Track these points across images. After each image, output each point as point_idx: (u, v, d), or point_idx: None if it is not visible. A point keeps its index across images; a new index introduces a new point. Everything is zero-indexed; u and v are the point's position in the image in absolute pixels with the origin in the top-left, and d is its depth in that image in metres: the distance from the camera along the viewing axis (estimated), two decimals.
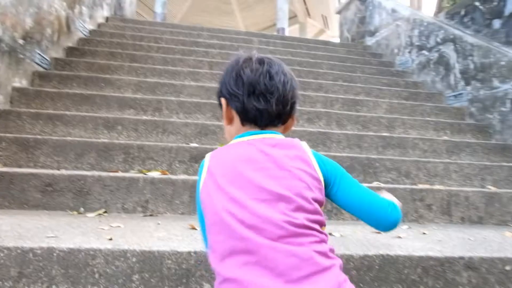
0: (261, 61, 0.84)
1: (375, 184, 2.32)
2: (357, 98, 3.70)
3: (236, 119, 0.85)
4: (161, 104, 2.92)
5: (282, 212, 0.70)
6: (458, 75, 3.81)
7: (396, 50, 4.96)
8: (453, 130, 3.39)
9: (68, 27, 3.69)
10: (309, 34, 13.41)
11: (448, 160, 2.78)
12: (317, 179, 0.78)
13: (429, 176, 2.62)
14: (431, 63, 4.25)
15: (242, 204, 0.71)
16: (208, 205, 0.75)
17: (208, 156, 0.82)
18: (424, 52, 4.37)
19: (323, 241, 0.72)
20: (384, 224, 0.81)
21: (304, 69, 4.16)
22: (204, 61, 3.90)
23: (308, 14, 12.89)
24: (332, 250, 0.73)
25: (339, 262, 0.71)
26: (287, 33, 10.21)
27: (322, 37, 13.66)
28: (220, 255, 0.70)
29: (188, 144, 2.42)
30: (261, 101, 0.80)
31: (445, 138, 3.24)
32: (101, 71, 3.39)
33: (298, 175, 0.75)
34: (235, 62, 0.86)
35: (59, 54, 3.48)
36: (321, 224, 0.75)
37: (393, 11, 5.06)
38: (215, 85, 3.56)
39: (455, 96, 3.86)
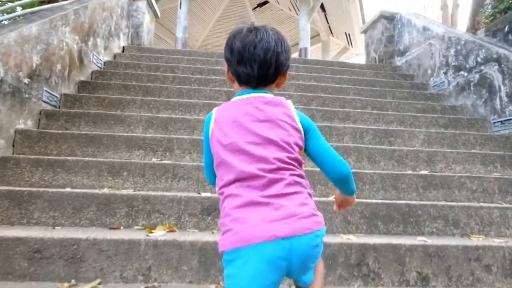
0: (250, 31, 1.00)
1: (419, 240, 1.94)
2: (390, 128, 3.33)
3: (235, 80, 1.07)
4: (172, 144, 2.67)
5: (272, 151, 0.95)
6: (505, 99, 3.37)
7: (429, 71, 4.56)
8: (504, 164, 2.95)
9: (81, 60, 3.56)
10: (332, 53, 13.11)
11: (504, 205, 2.35)
12: (298, 130, 1.02)
13: (482, 225, 2.21)
14: (471, 85, 3.83)
15: (242, 148, 0.95)
16: (217, 146, 0.98)
17: (214, 110, 1.04)
18: (463, 73, 3.96)
19: (300, 175, 0.98)
20: (336, 172, 1.07)
21: (329, 96, 3.83)
22: (221, 91, 3.66)
23: (331, 32, 12.63)
24: (307, 185, 1.00)
25: (308, 191, 0.98)
26: (309, 53, 9.97)
27: (345, 55, 13.34)
28: (226, 182, 0.95)
29: (199, 193, 2.14)
30: (247, 67, 0.99)
31: (496, 174, 2.80)
32: (112, 106, 3.20)
33: (284, 126, 0.99)
34: (232, 33, 1.04)
35: (69, 89, 3.34)
36: (300, 162, 1.00)
37: (425, 29, 4.69)
38: None
39: (501, 122, 3.42)
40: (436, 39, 4.46)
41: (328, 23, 12.17)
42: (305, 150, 1.06)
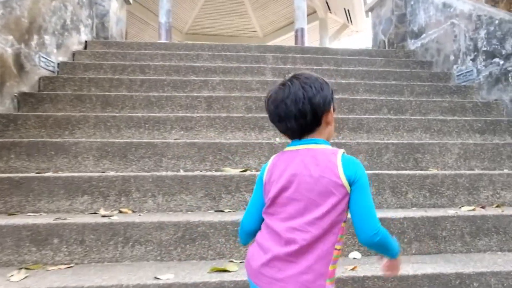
0: (280, 87, 1.03)
1: None
2: (415, 140, 2.63)
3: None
4: (129, 185, 1.98)
5: (303, 212, 0.97)
6: None
7: (452, 57, 3.81)
8: None
9: (20, 66, 2.81)
10: (331, 31, 12.20)
11: None
12: (341, 186, 0.97)
13: None
14: (509, 76, 3.09)
15: (284, 201, 1.00)
16: (269, 188, 1.03)
17: (271, 159, 1.08)
18: (497, 60, 3.21)
19: (336, 241, 0.97)
20: (363, 239, 0.99)
21: (335, 96, 3.10)
22: (200, 97, 2.93)
23: (329, 8, 11.69)
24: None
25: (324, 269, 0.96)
26: (306, 34, 9.10)
27: (345, 32, 12.44)
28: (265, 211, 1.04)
29: (158, 278, 1.45)
30: (286, 124, 1.01)
31: None
32: (57, 128, 2.49)
33: (326, 183, 0.96)
34: (268, 93, 1.07)
35: (4, 106, 2.61)
36: (337, 222, 0.98)
37: (446, 5, 3.90)
38: (213, 134, 2.59)
39: None
40: (460, 18, 3.68)
41: None
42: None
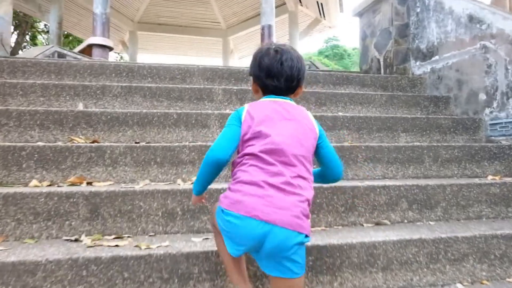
0: (276, 51, 1.20)
1: None
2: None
3: (260, 91, 1.26)
4: None
5: (290, 147, 1.10)
6: None
7: (483, 96, 2.64)
8: None
9: None
10: (301, 26, 10.91)
11: None
12: (315, 133, 1.19)
13: None
14: None
15: (269, 137, 1.11)
16: (248, 130, 1.13)
17: (246, 105, 1.20)
18: None
19: (306, 179, 1.11)
20: (336, 175, 1.29)
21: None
22: (77, 194, 1.56)
23: (299, 1, 10.37)
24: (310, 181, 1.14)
25: (307, 196, 1.09)
26: (274, 32, 7.77)
27: (317, 28, 11.20)
28: (245, 154, 1.12)
29: None
30: (274, 81, 1.19)
31: None
32: None
33: (305, 127, 1.16)
34: (260, 52, 1.23)
35: None
36: (310, 162, 1.15)
37: (474, 20, 2.71)
38: None
39: None
40: (498, 41, 2.50)
41: None
42: (315, 152, 1.22)
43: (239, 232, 1.03)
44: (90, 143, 1.94)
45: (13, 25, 15.03)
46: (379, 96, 2.80)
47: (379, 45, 3.58)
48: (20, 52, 15.36)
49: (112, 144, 1.87)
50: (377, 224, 1.78)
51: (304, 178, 1.09)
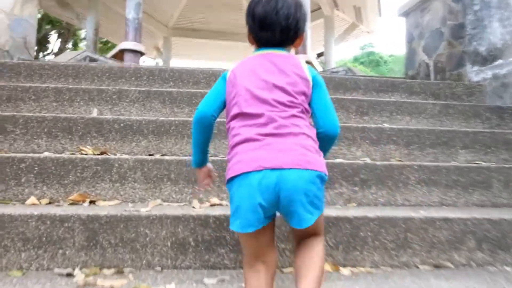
0: (269, 2, 1.08)
1: None
2: None
3: (255, 42, 1.15)
4: None
5: (275, 95, 1.02)
6: None
7: None
8: None
9: None
10: (337, 30, 10.50)
11: None
12: (306, 79, 1.08)
13: None
14: None
15: (250, 90, 1.04)
16: (232, 89, 1.08)
17: (231, 67, 1.13)
18: None
19: (299, 117, 1.03)
20: (330, 130, 1.11)
21: (371, 206, 1.50)
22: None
23: (336, 5, 9.97)
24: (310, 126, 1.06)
25: (308, 134, 1.02)
26: (309, 36, 7.44)
27: (354, 33, 10.74)
28: (232, 116, 1.06)
29: None
30: (268, 32, 1.09)
31: None
32: None
33: (292, 75, 1.06)
34: (252, 1, 1.12)
35: None
36: (303, 108, 1.05)
37: None
38: None
39: None
40: None
41: None
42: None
43: (250, 192, 0.94)
44: (98, 154, 1.71)
45: (56, 33, 15.70)
46: (431, 106, 2.42)
47: (428, 48, 3.18)
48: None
49: (120, 156, 1.63)
50: (437, 267, 1.42)
51: (299, 117, 1.02)
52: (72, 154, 1.77)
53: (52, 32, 15.62)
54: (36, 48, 15.41)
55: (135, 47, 6.70)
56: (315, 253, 1.00)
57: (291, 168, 0.93)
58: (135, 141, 1.89)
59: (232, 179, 0.98)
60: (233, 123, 1.04)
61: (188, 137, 1.92)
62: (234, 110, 1.04)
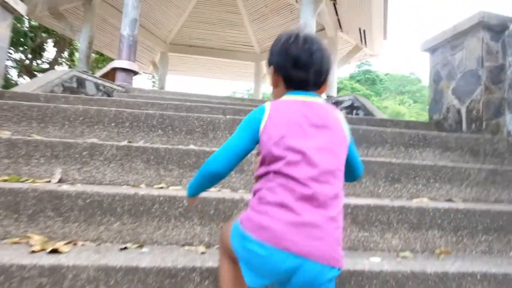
0: (305, 40, 1.03)
1: None
2: None
3: (281, 84, 1.07)
4: None
5: (326, 160, 0.92)
6: None
7: None
8: None
9: None
10: (341, 52, 10.19)
11: None
12: (346, 140, 1.01)
13: None
14: None
15: (299, 149, 0.92)
16: (269, 137, 0.96)
17: (268, 104, 1.01)
18: None
19: (341, 196, 0.95)
20: (358, 175, 1.12)
21: None
22: None
23: (340, 27, 9.69)
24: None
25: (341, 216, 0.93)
26: None
27: (357, 56, 10.45)
28: (270, 170, 0.93)
29: None
30: (302, 72, 1.02)
31: None
32: None
33: (339, 135, 0.98)
34: (286, 39, 1.05)
35: None
36: (343, 172, 0.98)
37: None
38: None
39: None
40: None
41: (337, 15, 9.22)
42: None
43: (264, 264, 0.86)
44: (49, 251, 1.24)
45: (52, 41, 15.27)
46: (476, 171, 1.98)
47: (460, 91, 2.76)
48: (56, 67, 15.53)
49: (77, 263, 1.16)
50: None
51: (339, 197, 0.93)
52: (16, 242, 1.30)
53: (49, 41, 15.21)
54: (30, 56, 14.90)
55: (128, 66, 6.29)
56: None
57: (317, 262, 0.85)
58: (104, 223, 1.42)
59: (253, 237, 0.88)
60: (272, 177, 0.92)
61: (176, 218, 1.46)
62: (276, 166, 0.92)
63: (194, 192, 1.09)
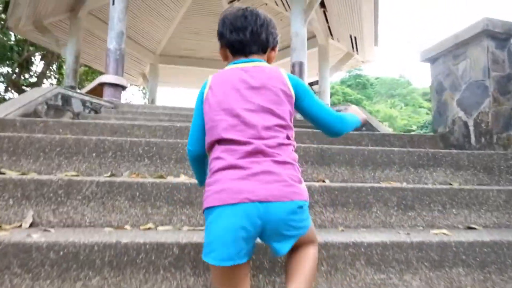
0: (240, 8, 1.12)
1: None
2: None
3: (228, 54, 1.14)
4: None
5: (263, 119, 0.99)
6: None
7: None
8: None
9: None
10: (332, 60, 10.09)
11: None
12: (290, 96, 1.06)
13: None
14: None
15: (236, 113, 0.99)
16: (210, 110, 1.03)
17: (210, 77, 1.09)
18: None
19: (288, 144, 1.01)
20: (332, 132, 1.14)
21: None
22: None
23: (331, 34, 9.60)
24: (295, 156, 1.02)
25: (294, 161, 1.00)
26: (306, 69, 6.94)
27: (349, 63, 10.36)
28: (212, 141, 1.01)
29: None
30: (239, 34, 1.08)
31: None
32: None
33: (278, 93, 1.03)
34: (225, 12, 1.14)
35: None
36: (290, 130, 1.03)
37: None
38: None
39: None
40: None
41: (327, 22, 9.15)
42: (299, 112, 1.13)
43: (233, 223, 0.89)
44: None
45: (40, 55, 14.97)
46: (495, 194, 1.82)
47: (466, 103, 2.61)
48: (44, 80, 15.22)
49: None
50: None
51: (284, 144, 0.99)
52: None
53: (37, 54, 14.91)
54: (17, 71, 14.56)
55: (116, 81, 6.07)
56: (306, 256, 1.01)
57: (277, 201, 0.91)
58: (81, 278, 1.22)
59: (212, 207, 0.93)
60: (216, 146, 1.00)
61: (166, 269, 1.26)
62: (216, 134, 0.99)
63: (200, 180, 1.21)
